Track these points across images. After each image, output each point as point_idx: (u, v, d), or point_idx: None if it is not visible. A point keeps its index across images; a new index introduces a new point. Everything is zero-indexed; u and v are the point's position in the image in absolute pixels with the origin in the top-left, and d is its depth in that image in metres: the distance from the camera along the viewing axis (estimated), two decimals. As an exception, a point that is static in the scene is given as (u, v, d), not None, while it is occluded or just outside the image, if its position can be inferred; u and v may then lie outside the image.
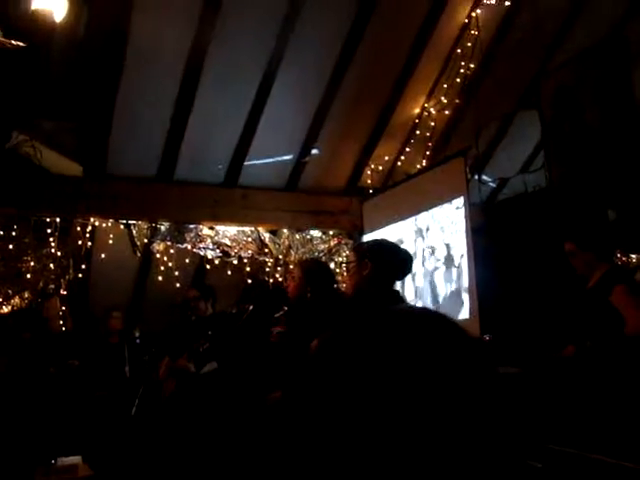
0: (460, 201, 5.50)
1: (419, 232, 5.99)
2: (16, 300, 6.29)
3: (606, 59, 4.99)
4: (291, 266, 6.45)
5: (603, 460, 2.85)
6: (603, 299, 3.84)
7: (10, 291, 6.29)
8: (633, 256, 8.12)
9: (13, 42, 4.63)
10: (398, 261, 3.08)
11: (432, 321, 0.73)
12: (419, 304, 5.78)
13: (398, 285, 3.33)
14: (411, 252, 5.83)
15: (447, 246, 5.65)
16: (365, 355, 0.68)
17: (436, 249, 5.78)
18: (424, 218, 5.95)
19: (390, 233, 6.16)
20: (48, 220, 6.05)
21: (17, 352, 5.80)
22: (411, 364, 0.66)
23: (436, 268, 5.78)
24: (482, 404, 0.68)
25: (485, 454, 0.66)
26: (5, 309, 6.31)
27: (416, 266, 5.71)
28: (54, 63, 5.58)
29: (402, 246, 5.45)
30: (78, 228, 6.18)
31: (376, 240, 4.21)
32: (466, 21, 6.38)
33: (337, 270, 6.84)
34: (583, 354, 3.84)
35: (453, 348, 0.70)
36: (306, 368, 0.74)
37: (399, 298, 3.09)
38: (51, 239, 6.05)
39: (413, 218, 6.07)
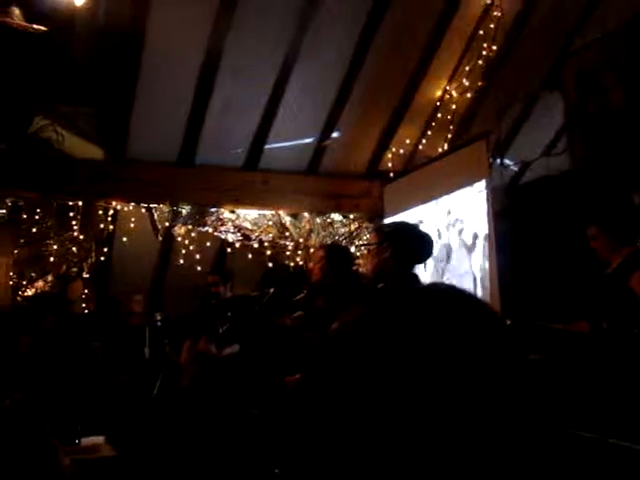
0: (482, 185, 5.45)
1: (440, 216, 5.95)
2: (39, 283, 6.37)
3: (631, 41, 4.90)
4: (312, 250, 6.45)
5: (618, 444, 2.83)
6: (623, 284, 3.79)
7: (34, 274, 6.37)
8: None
9: (35, 26, 4.65)
10: (419, 244, 3.05)
11: (460, 300, 0.72)
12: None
13: (418, 269, 3.31)
14: (432, 236, 5.82)
15: (469, 230, 5.61)
16: (391, 335, 0.67)
17: (457, 233, 5.74)
18: (445, 202, 5.91)
19: (411, 217, 6.13)
20: (71, 204, 6.10)
21: (41, 334, 5.87)
22: (440, 344, 0.65)
23: (457, 252, 5.75)
24: (514, 386, 0.66)
25: (517, 437, 0.65)
26: (29, 292, 6.39)
27: (436, 249, 5.69)
28: (75, 48, 5.60)
29: (424, 230, 5.45)
30: (100, 212, 6.23)
31: (398, 223, 4.20)
32: (489, 2, 6.29)
33: (357, 254, 6.83)
34: (599, 335, 3.80)
35: (484, 328, 0.68)
36: (328, 350, 0.73)
37: (419, 282, 3.06)
38: (74, 223, 6.12)
39: (434, 202, 6.03)
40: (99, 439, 4.14)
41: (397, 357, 0.65)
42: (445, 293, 0.74)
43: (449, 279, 5.77)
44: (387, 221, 6.31)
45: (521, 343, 0.71)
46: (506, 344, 0.68)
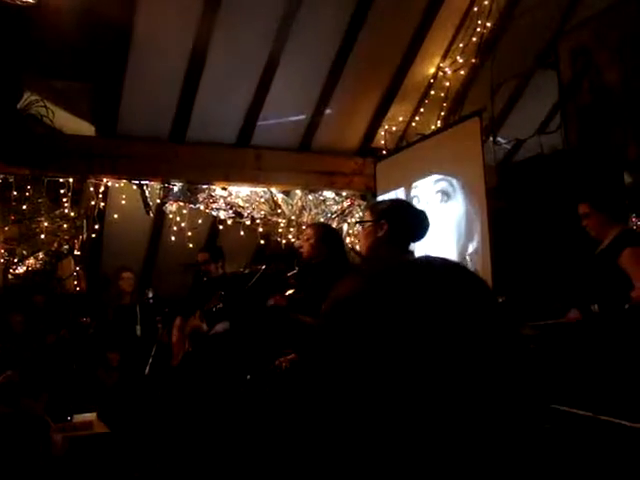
0: (475, 162, 5.43)
1: (433, 193, 5.94)
2: (30, 261, 6.34)
3: (625, 18, 4.87)
4: (304, 227, 6.45)
5: (611, 421, 2.85)
6: (613, 262, 3.81)
7: (25, 252, 6.34)
8: (649, 219, 8.05)
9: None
10: (415, 222, 3.02)
11: (455, 272, 0.71)
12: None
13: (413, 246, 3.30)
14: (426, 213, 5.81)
15: (462, 207, 5.61)
16: (389, 308, 0.66)
17: (451, 210, 5.74)
18: (438, 179, 5.90)
19: (404, 194, 6.12)
20: (61, 180, 6.06)
21: (32, 312, 5.86)
22: (436, 316, 0.64)
23: (450, 229, 5.75)
24: (508, 359, 0.66)
25: (509, 411, 0.65)
26: (20, 270, 6.36)
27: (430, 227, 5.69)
28: (66, 22, 5.52)
29: (417, 207, 5.44)
30: (91, 188, 6.19)
31: (393, 200, 4.18)
32: (483, -22, 6.24)
33: (350, 232, 6.83)
34: (589, 318, 3.83)
35: (479, 301, 0.68)
36: (326, 322, 0.71)
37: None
38: (64, 199, 6.08)
39: (427, 179, 6.02)
40: (91, 416, 4.15)
41: (395, 330, 0.64)
42: (440, 265, 0.73)
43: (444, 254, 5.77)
44: (381, 198, 6.30)
45: (513, 317, 0.71)
46: (499, 317, 0.68)
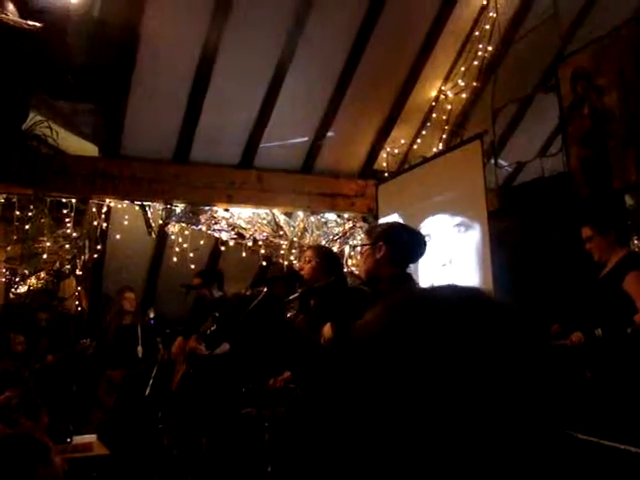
0: (476, 185, 5.45)
1: (435, 216, 5.96)
2: (32, 280, 6.35)
3: (625, 43, 4.91)
4: (305, 248, 6.45)
5: (614, 447, 2.84)
6: (617, 286, 3.81)
7: (27, 271, 6.35)
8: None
9: (29, 23, 4.63)
10: (412, 243, 3.05)
11: (475, 304, 0.70)
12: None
13: (412, 268, 3.31)
14: (426, 235, 5.82)
15: (465, 230, 5.62)
16: (407, 347, 0.66)
17: (452, 232, 5.75)
18: (440, 202, 5.91)
19: (406, 217, 6.14)
20: (64, 201, 6.08)
21: (33, 331, 5.86)
22: (456, 356, 0.64)
23: (452, 251, 5.75)
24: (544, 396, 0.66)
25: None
26: (22, 289, 6.37)
27: (431, 249, 5.69)
28: (70, 45, 5.58)
29: (417, 229, 5.45)
30: (94, 209, 6.21)
31: (390, 223, 4.21)
32: (484, 3, 6.30)
33: (352, 254, 6.84)
34: (593, 342, 3.82)
35: (502, 333, 0.67)
36: (353, 355, 0.71)
37: (413, 281, 3.06)
38: (67, 220, 6.10)
39: (429, 202, 6.04)
40: (91, 437, 4.13)
41: (416, 372, 0.64)
42: (460, 297, 0.72)
43: (441, 279, 5.78)
44: (381, 222, 6.31)
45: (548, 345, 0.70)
46: (531, 349, 0.68)
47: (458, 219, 5.68)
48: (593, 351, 3.83)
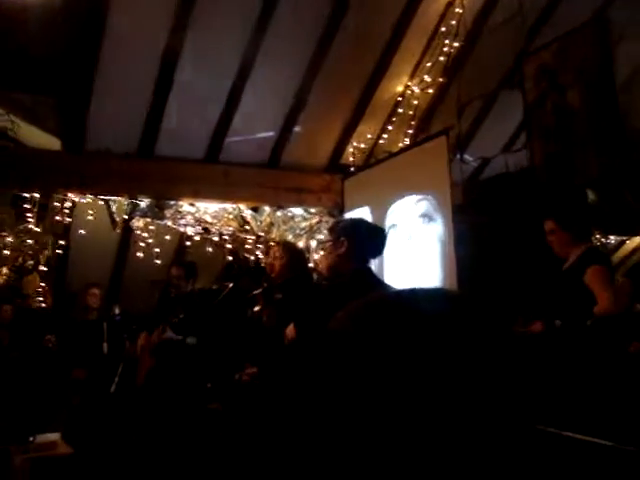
0: (442, 180, 5.49)
1: (399, 210, 5.98)
2: (-6, 276, 6.24)
3: (588, 41, 4.99)
4: (272, 244, 6.45)
5: (573, 437, 2.89)
6: (578, 279, 3.87)
7: (-12, 267, 6.24)
8: (612, 237, 8.21)
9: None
10: (373, 239, 3.09)
11: (440, 306, 0.72)
12: (399, 282, 5.80)
13: (375, 262, 3.34)
14: (391, 229, 5.85)
15: (428, 224, 5.65)
16: (369, 349, 0.67)
17: (416, 226, 5.78)
18: (405, 196, 5.94)
19: (371, 211, 6.16)
20: (27, 196, 5.98)
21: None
22: (418, 354, 0.66)
23: (416, 245, 5.79)
24: (502, 384, 0.68)
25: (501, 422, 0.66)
26: (-17, 285, 6.26)
27: (395, 243, 5.72)
28: (32, 36, 5.48)
29: (382, 224, 5.48)
30: (57, 204, 6.11)
31: (352, 218, 4.25)
32: (450, -1, 6.35)
33: (318, 248, 6.84)
34: (552, 333, 3.88)
35: (465, 334, 0.69)
36: (322, 352, 0.72)
37: (374, 277, 3.09)
38: (29, 215, 5.99)
39: (394, 196, 6.06)
40: (54, 436, 4.07)
41: (394, 361, 0.66)
42: (424, 300, 0.74)
43: (406, 272, 5.81)
44: (347, 216, 6.34)
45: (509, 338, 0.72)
46: (494, 342, 0.69)
47: (423, 212, 5.71)
48: (551, 340, 3.90)
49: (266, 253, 6.46)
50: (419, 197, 5.74)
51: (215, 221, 6.56)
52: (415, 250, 5.77)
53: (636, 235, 8.39)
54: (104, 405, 5.11)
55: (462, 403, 0.64)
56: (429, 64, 6.61)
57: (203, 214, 6.53)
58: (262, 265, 5.71)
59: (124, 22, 5.35)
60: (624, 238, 8.48)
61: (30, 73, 5.60)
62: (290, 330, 3.12)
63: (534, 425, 0.71)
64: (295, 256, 4.22)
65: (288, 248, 4.34)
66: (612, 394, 3.60)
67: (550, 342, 3.89)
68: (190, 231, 6.50)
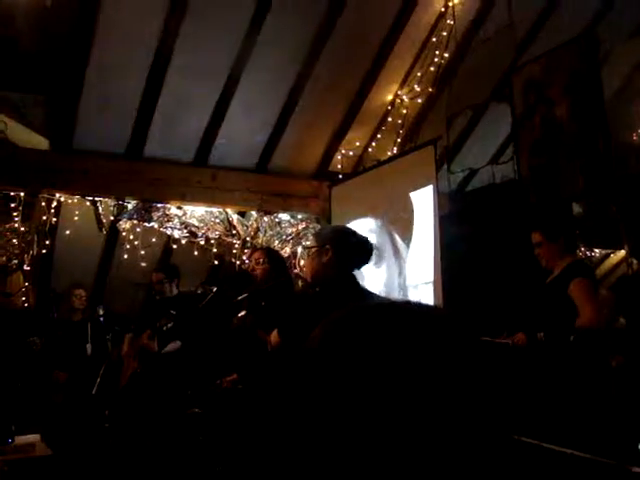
0: (429, 190, 5.52)
1: (386, 219, 6.00)
2: (-23, 275, 6.19)
3: (574, 56, 5.04)
4: (253, 250, 6.45)
5: (554, 450, 2.91)
6: (562, 292, 3.91)
7: (-29, 265, 6.18)
8: (597, 251, 8.27)
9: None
10: (358, 248, 3.07)
11: (418, 320, 0.73)
12: (386, 291, 5.82)
13: (361, 271, 3.34)
14: (378, 239, 5.86)
15: (414, 234, 5.68)
16: (347, 360, 0.68)
17: (403, 236, 5.80)
18: (392, 205, 5.96)
19: (358, 219, 6.17)
20: (12, 194, 5.94)
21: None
22: (406, 360, 0.67)
23: (403, 255, 5.81)
24: (478, 397, 0.68)
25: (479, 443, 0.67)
26: (-34, 284, 6.20)
27: (382, 253, 5.74)
28: (22, 34, 5.46)
29: (369, 233, 5.50)
30: (43, 203, 6.08)
31: (337, 226, 4.26)
32: (442, 10, 6.38)
33: (304, 255, 6.84)
34: (535, 345, 3.91)
35: (443, 348, 0.70)
36: (301, 363, 0.73)
37: (358, 285, 3.08)
38: (15, 213, 5.95)
39: (381, 204, 6.08)
40: (34, 438, 4.04)
41: (366, 373, 0.66)
42: (411, 310, 0.75)
43: (393, 283, 5.83)
44: (334, 223, 6.35)
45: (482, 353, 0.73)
46: (470, 356, 0.70)
47: (409, 221, 5.72)
48: (534, 353, 3.92)
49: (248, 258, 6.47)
50: (406, 206, 5.76)
51: (202, 225, 6.54)
52: (400, 259, 5.79)
53: (620, 249, 8.45)
54: (85, 406, 5.08)
55: (432, 417, 0.65)
56: (419, 74, 6.65)
57: (190, 217, 6.51)
58: (248, 270, 5.71)
59: (115, 21, 5.34)
60: (609, 252, 8.52)
61: (18, 71, 5.57)
62: (274, 336, 3.12)
63: (511, 437, 0.72)
64: (276, 262, 4.25)
65: (269, 254, 4.37)
66: (594, 408, 3.62)
67: (532, 355, 3.91)
68: (176, 234, 6.48)
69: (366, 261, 3.10)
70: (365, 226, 6.01)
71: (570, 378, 3.72)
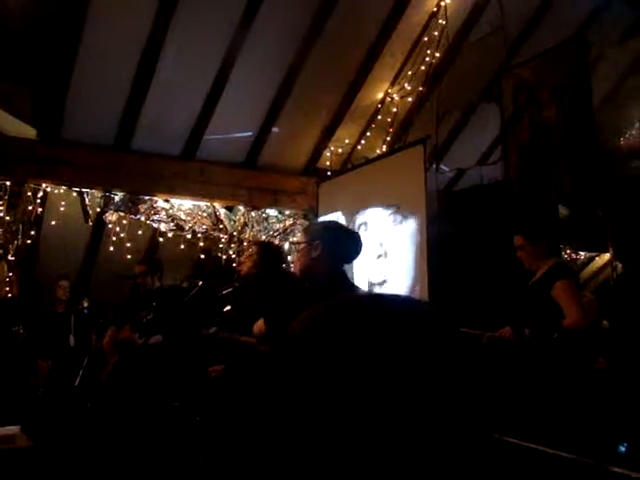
0: (417, 189, 5.52)
1: (373, 216, 6.01)
2: (-39, 263, 6.14)
3: (565, 60, 5.07)
4: (246, 244, 6.44)
5: (536, 449, 2.92)
6: (545, 293, 3.93)
7: (-45, 254, 6.14)
8: (582, 253, 8.32)
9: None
10: (348, 243, 3.07)
11: (403, 312, 0.73)
12: (373, 288, 5.82)
13: (349, 267, 3.35)
14: (364, 236, 5.86)
15: (402, 233, 5.68)
16: (328, 350, 0.68)
17: (389, 234, 5.81)
18: (380, 203, 5.96)
19: (345, 216, 6.17)
20: (-2, 183, 5.90)
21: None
22: (388, 354, 0.66)
23: (388, 253, 5.81)
24: (462, 391, 0.68)
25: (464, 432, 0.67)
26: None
27: (369, 250, 5.74)
28: (10, 22, 5.41)
29: (356, 230, 5.50)
30: (29, 193, 6.04)
31: (327, 222, 4.26)
32: (434, 9, 6.39)
33: (292, 250, 6.84)
34: (520, 341, 3.92)
35: (426, 340, 0.69)
36: (281, 355, 0.73)
37: (348, 280, 3.08)
38: (0, 202, 5.91)
39: (369, 202, 6.08)
40: (14, 429, 4.01)
41: (335, 372, 0.66)
42: (388, 304, 0.75)
43: (378, 280, 5.83)
44: (321, 219, 6.34)
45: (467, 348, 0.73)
46: (453, 351, 0.70)
47: (397, 220, 5.73)
48: (519, 348, 3.94)
49: (238, 252, 6.46)
50: (394, 205, 5.77)
51: (189, 218, 6.53)
52: (387, 257, 5.80)
53: (606, 252, 8.51)
54: (67, 398, 5.06)
55: (412, 411, 0.65)
56: (410, 72, 6.65)
57: (177, 211, 6.49)
58: (234, 264, 5.70)
59: (106, 12, 5.30)
60: (594, 254, 8.58)
61: (6, 60, 5.52)
62: (259, 325, 3.11)
63: (491, 435, 0.72)
64: (268, 254, 4.23)
65: (262, 246, 4.36)
66: (576, 407, 3.65)
67: (517, 353, 3.93)
68: (163, 227, 6.45)
69: (355, 256, 3.11)
70: (351, 223, 6.02)
71: (553, 377, 3.75)
